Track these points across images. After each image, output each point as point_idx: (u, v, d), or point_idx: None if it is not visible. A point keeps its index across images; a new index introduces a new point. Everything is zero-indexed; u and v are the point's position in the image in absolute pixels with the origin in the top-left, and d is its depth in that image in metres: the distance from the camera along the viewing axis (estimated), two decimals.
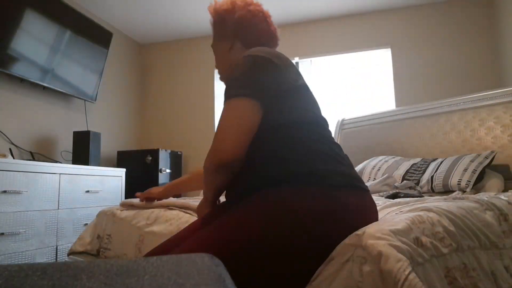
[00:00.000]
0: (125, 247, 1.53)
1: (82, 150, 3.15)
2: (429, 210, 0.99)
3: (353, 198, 0.89)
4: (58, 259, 2.58)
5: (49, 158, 3.22)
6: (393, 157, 2.77)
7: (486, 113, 2.55)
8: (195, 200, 1.67)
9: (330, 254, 0.80)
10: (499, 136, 2.47)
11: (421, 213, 0.96)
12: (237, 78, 0.97)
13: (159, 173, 3.69)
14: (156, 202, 1.59)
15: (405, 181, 2.39)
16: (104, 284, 0.36)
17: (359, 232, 0.79)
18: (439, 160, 2.46)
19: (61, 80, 3.20)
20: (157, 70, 4.64)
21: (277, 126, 0.95)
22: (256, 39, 1.15)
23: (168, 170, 3.84)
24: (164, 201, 1.61)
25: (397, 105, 3.70)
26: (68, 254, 1.69)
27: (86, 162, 3.10)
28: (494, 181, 2.21)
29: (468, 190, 2.10)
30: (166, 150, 3.88)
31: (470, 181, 2.14)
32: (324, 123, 1.03)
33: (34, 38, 2.92)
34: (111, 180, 3.18)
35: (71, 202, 2.73)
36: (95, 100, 3.62)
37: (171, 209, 1.55)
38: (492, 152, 2.33)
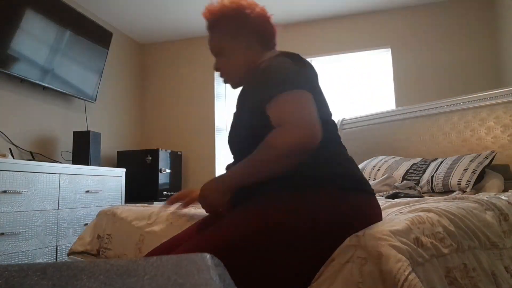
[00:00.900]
0: (125, 247, 1.53)
1: (82, 150, 3.15)
2: (429, 210, 0.99)
3: (362, 201, 0.90)
4: (58, 259, 2.58)
5: (49, 158, 3.22)
6: (393, 157, 2.77)
7: (486, 113, 2.55)
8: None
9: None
10: (499, 136, 2.47)
11: (421, 213, 0.96)
12: (279, 74, 0.93)
13: (159, 173, 3.69)
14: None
15: (405, 181, 2.40)
16: (104, 284, 0.36)
17: (359, 233, 0.79)
18: (439, 160, 2.46)
19: (61, 80, 3.19)
20: (157, 70, 4.64)
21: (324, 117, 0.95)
22: (270, 37, 1.13)
23: (168, 170, 3.84)
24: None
25: (397, 105, 3.69)
26: (68, 254, 1.69)
27: (86, 162, 3.10)
28: (494, 181, 2.21)
29: (468, 190, 2.10)
30: (166, 150, 3.88)
31: (470, 181, 2.14)
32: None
33: (34, 38, 2.91)
34: (111, 180, 3.18)
35: (71, 202, 2.73)
36: (95, 100, 3.62)
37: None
38: (492, 152, 2.33)
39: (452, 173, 2.23)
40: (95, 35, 3.53)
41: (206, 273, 0.39)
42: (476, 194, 1.71)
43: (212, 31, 1.13)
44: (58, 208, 2.60)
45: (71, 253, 1.67)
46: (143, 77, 4.67)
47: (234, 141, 1.07)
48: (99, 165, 3.22)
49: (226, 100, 4.48)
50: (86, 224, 2.81)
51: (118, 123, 4.24)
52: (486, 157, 2.27)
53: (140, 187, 3.66)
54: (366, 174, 2.68)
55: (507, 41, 3.25)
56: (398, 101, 3.74)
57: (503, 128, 2.46)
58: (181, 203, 1.26)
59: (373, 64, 3.98)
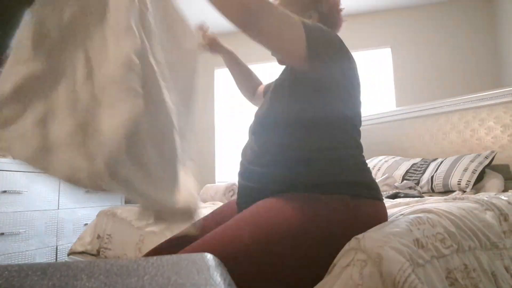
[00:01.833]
0: (125, 247, 1.53)
1: None
2: (429, 211, 0.99)
3: (371, 209, 0.90)
4: (58, 259, 2.58)
5: None
6: (393, 157, 2.77)
7: (486, 113, 2.55)
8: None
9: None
10: (499, 136, 2.47)
11: (421, 214, 0.96)
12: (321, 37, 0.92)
13: None
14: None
15: (405, 181, 2.40)
16: (104, 284, 0.36)
17: (359, 236, 0.78)
18: (439, 160, 2.46)
19: None
20: None
21: (342, 118, 0.93)
22: (331, 8, 1.11)
23: None
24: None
25: (397, 105, 3.69)
26: (68, 254, 1.69)
27: None
28: (494, 181, 2.21)
29: (468, 190, 2.11)
30: None
31: (470, 181, 2.14)
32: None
33: None
34: None
35: (71, 202, 2.73)
36: None
37: None
38: (492, 152, 2.33)
39: (452, 173, 2.23)
40: None
41: (206, 273, 0.38)
42: (476, 194, 1.71)
43: None
44: (58, 208, 2.60)
45: (71, 253, 1.68)
46: None
47: (259, 116, 1.05)
48: None
49: (226, 100, 4.48)
50: (86, 224, 2.81)
51: None
52: (486, 157, 2.27)
53: None
54: None
55: (507, 41, 3.25)
56: (398, 101, 3.74)
57: (503, 128, 2.46)
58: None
59: (373, 64, 3.98)
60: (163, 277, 0.37)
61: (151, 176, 0.65)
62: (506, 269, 1.02)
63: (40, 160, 0.62)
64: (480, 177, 2.20)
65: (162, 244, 1.07)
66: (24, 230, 2.34)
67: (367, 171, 0.97)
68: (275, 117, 0.96)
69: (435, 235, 0.87)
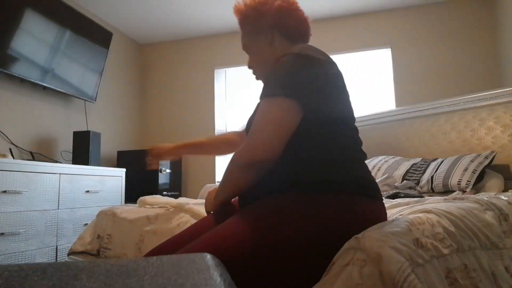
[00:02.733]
0: (125, 247, 1.53)
1: (82, 150, 3.15)
2: (428, 211, 0.99)
3: (368, 208, 0.90)
4: (58, 259, 2.58)
5: (49, 158, 3.22)
6: (393, 157, 2.77)
7: (486, 113, 2.55)
8: (196, 203, 1.66)
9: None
10: (499, 136, 2.47)
11: (421, 214, 0.96)
12: (278, 76, 0.93)
13: (159, 173, 3.69)
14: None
15: (405, 181, 2.40)
16: (104, 284, 0.36)
17: (358, 235, 0.78)
18: (439, 160, 2.46)
19: (61, 80, 3.19)
20: (157, 70, 4.64)
21: (318, 124, 0.93)
22: (295, 28, 1.11)
23: (168, 170, 3.84)
24: (159, 199, 1.59)
25: (397, 105, 3.70)
26: (68, 254, 1.69)
27: (86, 162, 3.10)
28: (494, 181, 2.21)
29: (468, 190, 2.10)
30: None
31: (470, 181, 2.14)
32: (354, 124, 1.03)
33: (34, 38, 2.91)
34: (111, 180, 3.18)
35: (71, 202, 2.73)
36: (95, 100, 3.62)
37: (168, 208, 1.55)
38: (492, 152, 2.33)
39: (452, 173, 2.23)
40: (95, 35, 3.53)
41: (206, 273, 0.39)
42: (476, 194, 1.71)
43: (241, 29, 1.17)
44: (58, 208, 2.60)
45: (71, 253, 1.68)
46: (143, 77, 4.67)
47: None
48: (99, 165, 3.22)
49: (226, 100, 4.48)
50: (86, 224, 2.81)
51: (118, 123, 4.24)
52: (486, 157, 2.27)
53: (140, 187, 3.66)
54: None
55: (507, 41, 3.25)
56: (398, 101, 3.74)
57: (503, 128, 2.46)
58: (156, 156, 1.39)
59: (373, 64, 3.98)
60: (163, 277, 0.37)
61: None
62: (506, 269, 1.02)
63: None
64: (480, 177, 2.20)
65: (162, 244, 1.07)
66: (24, 230, 2.34)
67: (362, 169, 0.96)
68: None
69: (434, 235, 0.87)
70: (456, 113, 2.70)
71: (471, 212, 1.10)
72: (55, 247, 2.57)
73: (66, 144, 3.43)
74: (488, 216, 1.16)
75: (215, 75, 4.40)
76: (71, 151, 3.24)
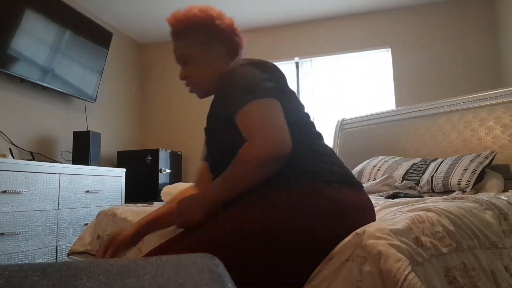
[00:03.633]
0: None
1: (82, 150, 3.15)
2: (428, 210, 0.99)
3: (347, 194, 0.92)
4: (58, 259, 2.58)
5: (49, 158, 3.22)
6: (393, 157, 2.77)
7: (486, 113, 2.55)
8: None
9: (328, 252, 0.81)
10: (499, 136, 2.47)
11: (420, 213, 0.96)
12: (247, 82, 0.95)
13: (159, 173, 3.69)
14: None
15: (405, 181, 2.40)
16: (104, 284, 0.36)
17: (359, 231, 0.79)
18: (439, 160, 2.46)
19: (61, 80, 3.20)
20: (157, 70, 4.64)
21: (292, 121, 0.96)
22: (238, 46, 1.13)
23: (168, 170, 3.84)
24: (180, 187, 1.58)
25: (397, 105, 3.69)
26: (68, 254, 1.69)
27: (86, 162, 3.10)
28: (494, 181, 2.21)
29: (468, 190, 2.11)
30: (166, 150, 3.88)
31: (470, 181, 2.14)
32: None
33: (34, 38, 2.92)
34: (111, 180, 3.18)
35: (71, 202, 2.73)
36: (95, 100, 3.62)
37: None
38: (492, 152, 2.33)
39: (452, 173, 2.23)
40: (95, 35, 3.53)
41: (206, 273, 0.39)
42: (476, 194, 1.71)
43: (180, 39, 1.11)
44: (58, 208, 2.60)
45: (71, 253, 1.68)
46: (143, 77, 4.67)
47: (212, 158, 1.09)
48: (99, 165, 3.22)
49: None
50: (86, 224, 2.81)
51: (118, 123, 4.24)
52: (486, 157, 2.27)
53: (140, 187, 3.66)
54: (366, 174, 2.68)
55: (507, 41, 3.25)
56: (398, 101, 3.74)
57: (503, 128, 2.46)
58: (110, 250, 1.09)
59: (373, 64, 3.98)
60: (163, 277, 0.37)
61: None
62: (506, 268, 1.03)
63: None
64: (480, 177, 2.20)
65: (162, 244, 1.07)
66: (24, 230, 2.34)
67: (331, 159, 0.99)
68: (228, 152, 0.96)
69: (434, 234, 0.88)
70: (456, 113, 2.70)
71: (470, 211, 1.10)
72: (55, 247, 2.57)
73: (66, 144, 3.43)
74: (488, 215, 1.16)
75: None
76: (71, 151, 3.24)
